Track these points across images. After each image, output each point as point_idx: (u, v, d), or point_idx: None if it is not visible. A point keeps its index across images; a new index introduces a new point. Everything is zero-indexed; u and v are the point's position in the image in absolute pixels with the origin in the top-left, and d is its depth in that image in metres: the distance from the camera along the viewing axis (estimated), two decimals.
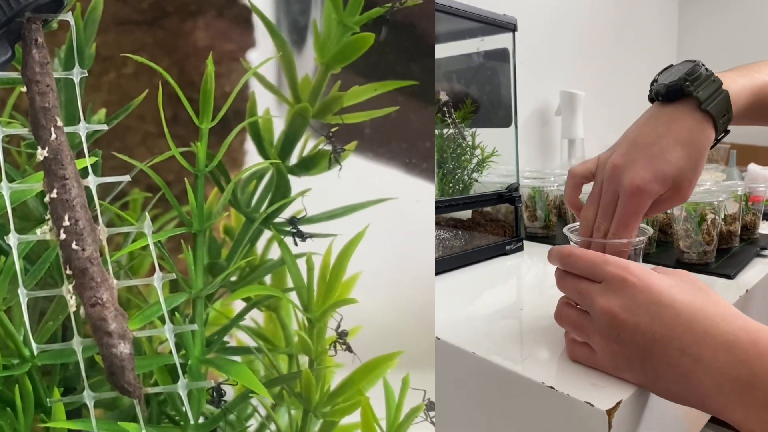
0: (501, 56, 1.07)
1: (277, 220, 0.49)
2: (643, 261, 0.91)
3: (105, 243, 0.40)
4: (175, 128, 0.57)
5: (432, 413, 0.49)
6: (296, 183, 0.49)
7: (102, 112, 0.50)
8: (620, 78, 2.39)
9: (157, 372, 0.45)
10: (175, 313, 0.44)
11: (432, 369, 0.53)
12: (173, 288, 0.47)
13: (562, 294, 0.57)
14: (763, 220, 1.11)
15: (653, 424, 0.53)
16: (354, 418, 0.47)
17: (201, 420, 0.46)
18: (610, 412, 0.46)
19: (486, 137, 1.05)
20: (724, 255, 0.95)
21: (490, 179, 1.07)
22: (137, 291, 0.49)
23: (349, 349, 0.48)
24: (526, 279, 0.93)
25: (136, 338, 0.40)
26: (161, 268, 0.41)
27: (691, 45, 2.78)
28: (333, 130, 0.47)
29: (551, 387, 0.50)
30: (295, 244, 0.48)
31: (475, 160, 1.04)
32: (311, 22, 0.48)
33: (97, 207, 0.40)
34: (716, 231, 0.89)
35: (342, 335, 0.48)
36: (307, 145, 0.49)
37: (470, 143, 1.03)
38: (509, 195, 1.04)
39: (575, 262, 0.54)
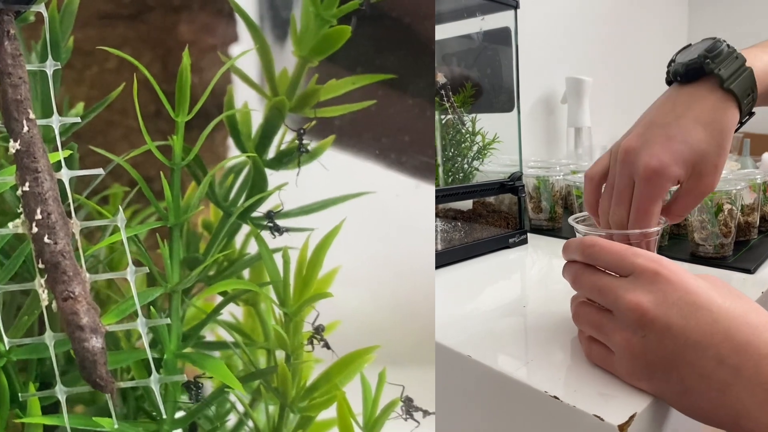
0: (502, 36, 1.02)
1: (255, 214, 0.48)
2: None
3: (78, 237, 0.40)
4: (158, 123, 0.57)
5: (412, 410, 0.48)
6: (276, 177, 0.49)
7: (80, 105, 0.50)
8: (629, 62, 2.32)
9: (134, 367, 0.45)
10: (151, 308, 0.44)
11: (415, 365, 0.53)
12: (152, 284, 0.47)
13: (574, 291, 0.53)
14: None
15: None
16: (331, 413, 0.47)
17: (180, 415, 0.46)
18: (623, 428, 0.42)
19: (487, 124, 1.02)
20: (742, 248, 0.90)
21: (492, 168, 1.04)
22: (116, 287, 0.49)
23: (326, 344, 0.48)
24: (531, 274, 0.89)
25: (114, 333, 0.40)
26: (137, 263, 0.41)
27: (703, 27, 2.72)
28: (306, 126, 0.47)
29: (555, 397, 0.46)
30: (273, 236, 0.48)
31: (475, 147, 1.00)
32: (291, 16, 0.48)
33: (70, 200, 0.39)
34: (734, 222, 0.85)
35: (318, 330, 0.48)
36: (284, 139, 0.48)
37: (470, 129, 1.00)
38: (512, 184, 1.00)
39: (599, 254, 0.49)
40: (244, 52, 0.47)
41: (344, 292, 0.49)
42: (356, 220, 0.48)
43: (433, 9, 0.52)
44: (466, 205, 1.11)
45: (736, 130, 0.58)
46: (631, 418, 0.42)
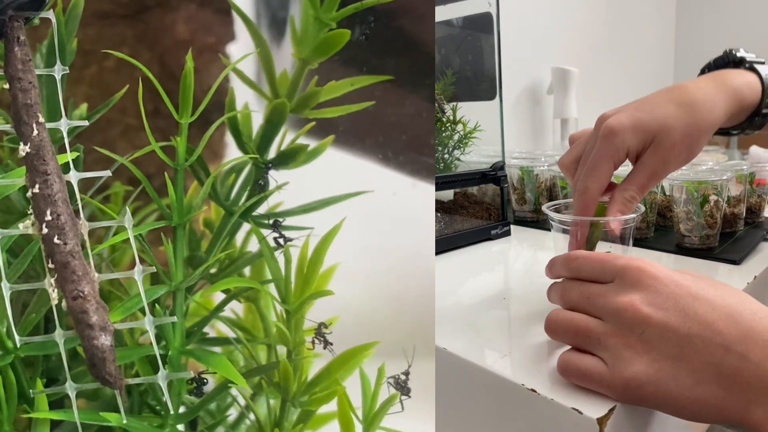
0: (484, 22, 1.01)
1: (261, 219, 0.49)
2: (640, 247, 0.87)
3: (86, 237, 0.40)
4: (156, 121, 0.58)
5: (404, 397, 0.49)
6: (276, 176, 0.50)
7: (84, 106, 0.51)
8: (617, 53, 2.31)
9: (138, 363, 0.46)
10: (156, 305, 0.45)
11: (415, 359, 0.54)
12: (155, 280, 0.48)
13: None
14: None
15: None
16: (332, 407, 0.48)
17: (182, 410, 0.47)
18: (602, 421, 0.41)
19: (468, 112, 0.99)
20: (728, 239, 0.91)
21: (475, 159, 1.02)
22: (119, 284, 0.50)
23: (326, 343, 0.49)
24: (514, 266, 0.88)
25: (117, 330, 0.41)
26: (142, 261, 0.42)
27: (691, 18, 2.70)
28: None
29: (533, 390, 0.45)
30: (279, 246, 0.49)
31: (456, 136, 0.98)
32: (289, 18, 0.49)
33: (78, 202, 0.40)
34: (720, 213, 0.85)
35: (320, 330, 0.49)
36: (285, 139, 0.49)
37: (451, 117, 0.98)
38: (494, 174, 0.98)
39: (583, 264, 0.48)
40: (245, 56, 0.48)
41: (343, 288, 0.50)
42: (355, 218, 0.49)
43: (433, 11, 0.53)
44: (447, 195, 1.09)
45: (756, 126, 0.66)
46: (611, 411, 0.42)
